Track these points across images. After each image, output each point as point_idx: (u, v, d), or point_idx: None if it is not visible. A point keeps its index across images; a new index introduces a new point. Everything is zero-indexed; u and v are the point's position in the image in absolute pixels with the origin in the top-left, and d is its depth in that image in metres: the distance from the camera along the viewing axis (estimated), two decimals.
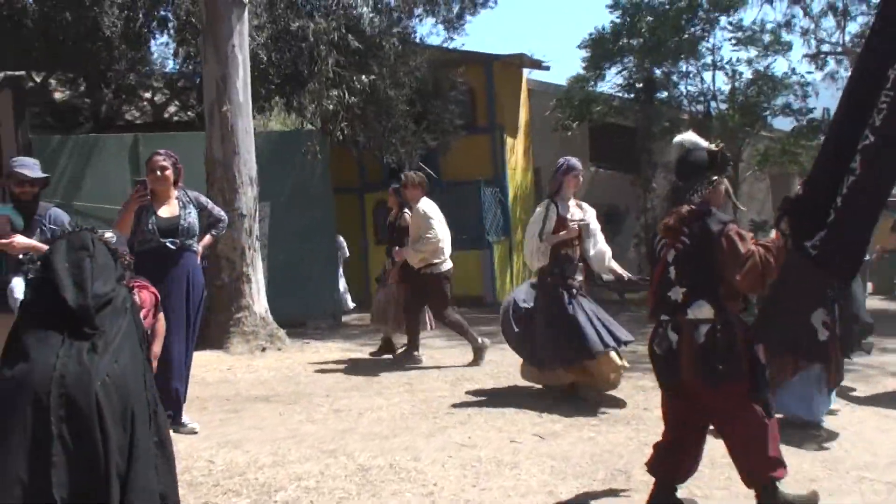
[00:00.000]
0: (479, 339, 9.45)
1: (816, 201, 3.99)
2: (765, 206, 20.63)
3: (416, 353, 9.49)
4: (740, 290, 4.41)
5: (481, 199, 15.82)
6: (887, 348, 10.43)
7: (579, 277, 7.62)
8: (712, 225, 4.38)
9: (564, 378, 7.60)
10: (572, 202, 7.72)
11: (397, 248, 9.46)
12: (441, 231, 9.15)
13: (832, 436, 6.52)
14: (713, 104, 17.89)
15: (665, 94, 18.11)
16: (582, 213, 7.72)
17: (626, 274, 7.99)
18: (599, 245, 7.69)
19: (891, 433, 6.75)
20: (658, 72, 17.85)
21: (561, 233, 7.51)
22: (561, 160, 7.85)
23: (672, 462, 4.77)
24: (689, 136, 4.61)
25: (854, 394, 7.97)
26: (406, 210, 9.45)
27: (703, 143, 4.54)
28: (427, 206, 9.20)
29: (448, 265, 9.31)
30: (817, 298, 4.16)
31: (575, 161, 7.76)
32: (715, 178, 4.47)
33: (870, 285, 18.86)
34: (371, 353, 10.10)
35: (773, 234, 4.44)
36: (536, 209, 7.92)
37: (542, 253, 7.61)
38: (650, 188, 17.61)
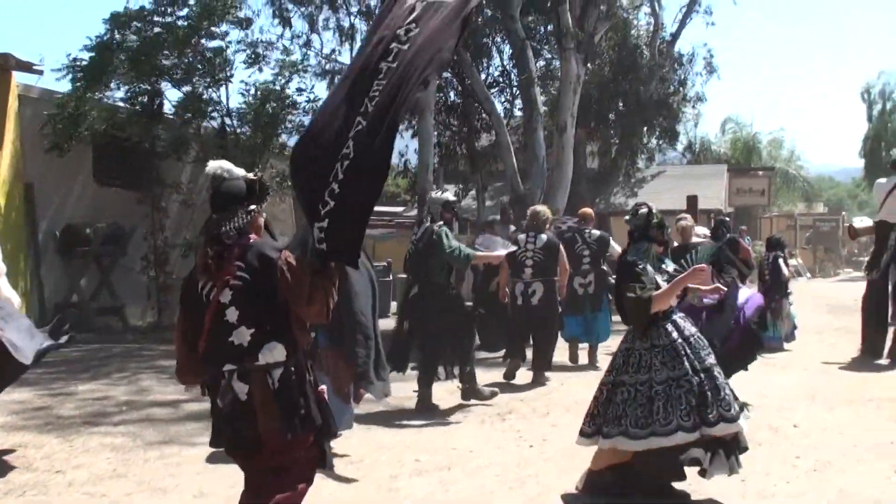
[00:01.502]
0: None
1: (311, 195, 3.97)
2: (287, 225, 20.27)
3: None
4: (309, 321, 4.09)
5: None
6: None
7: None
8: (270, 254, 3.98)
9: None
10: None
11: None
12: None
13: None
14: (228, 121, 17.05)
15: (184, 111, 16.92)
16: None
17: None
18: None
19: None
20: (178, 88, 16.68)
21: None
22: None
23: None
24: (222, 164, 4.14)
25: None
26: None
27: (238, 171, 4.16)
28: None
29: None
30: None
31: None
32: (254, 207, 4.06)
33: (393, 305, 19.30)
34: None
35: None
36: None
37: None
38: (160, 207, 16.35)
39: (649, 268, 5.70)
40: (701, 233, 10.92)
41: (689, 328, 5.77)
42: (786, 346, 13.38)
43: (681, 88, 24.04)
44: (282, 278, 3.92)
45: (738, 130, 48.99)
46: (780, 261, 13.86)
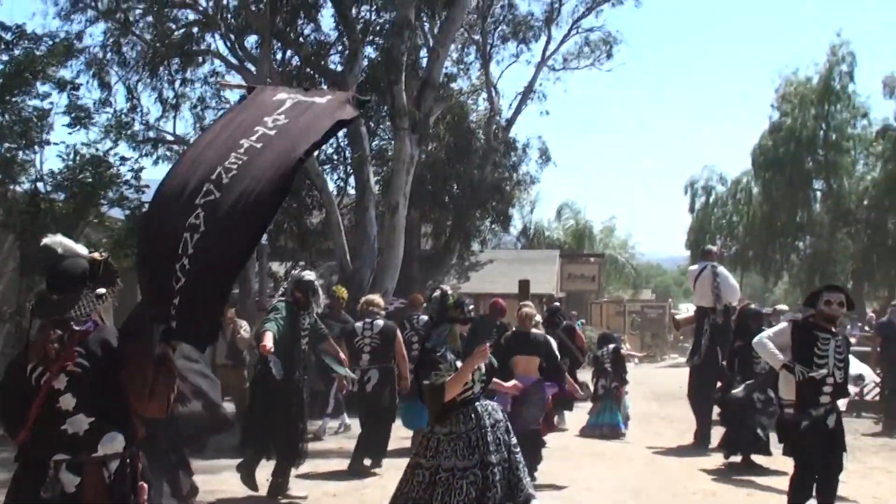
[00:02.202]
0: None
1: (160, 270, 3.70)
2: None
3: None
4: (148, 415, 3.84)
5: None
6: None
7: None
8: (114, 342, 3.75)
9: None
10: None
11: None
12: None
13: None
14: (41, 186, 15.87)
15: None
16: None
17: None
18: None
19: None
20: None
21: None
22: None
23: None
24: (62, 241, 3.85)
25: None
26: None
27: (82, 249, 3.91)
28: None
29: None
30: None
31: None
32: (103, 291, 3.80)
33: None
34: None
35: None
36: None
37: None
38: None
39: (449, 353, 5.66)
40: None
41: (492, 418, 5.65)
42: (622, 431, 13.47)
43: (514, 174, 24.24)
44: (125, 370, 3.70)
45: (573, 217, 50.36)
46: (622, 351, 14.22)
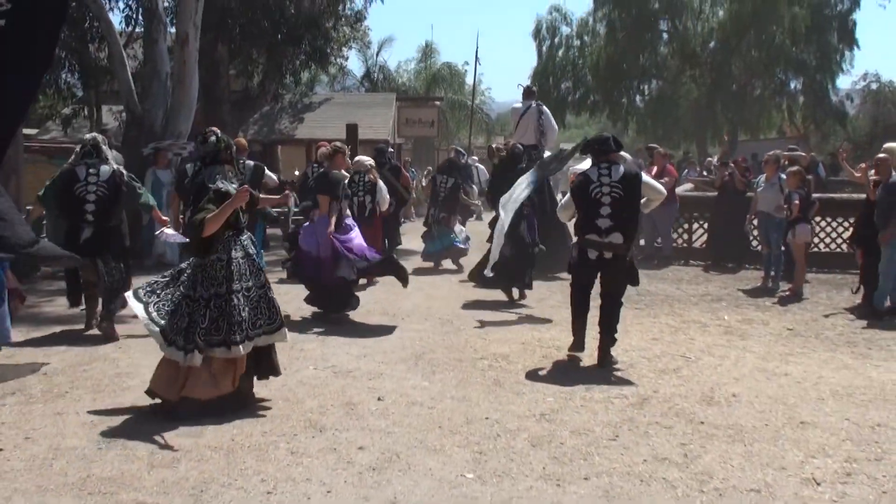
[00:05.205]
0: None
1: None
2: None
3: None
4: None
5: None
6: None
7: None
8: None
9: None
10: None
11: None
12: None
13: None
14: None
15: None
16: None
17: None
18: None
19: None
20: None
21: None
22: None
23: None
24: None
25: None
26: None
27: None
28: None
29: None
30: None
31: None
32: None
33: None
34: None
35: None
36: None
37: None
38: None
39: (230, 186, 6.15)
40: (368, 162, 11.86)
41: (241, 251, 6.22)
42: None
43: (339, 7, 21.91)
44: None
45: (425, 62, 48.52)
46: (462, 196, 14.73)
